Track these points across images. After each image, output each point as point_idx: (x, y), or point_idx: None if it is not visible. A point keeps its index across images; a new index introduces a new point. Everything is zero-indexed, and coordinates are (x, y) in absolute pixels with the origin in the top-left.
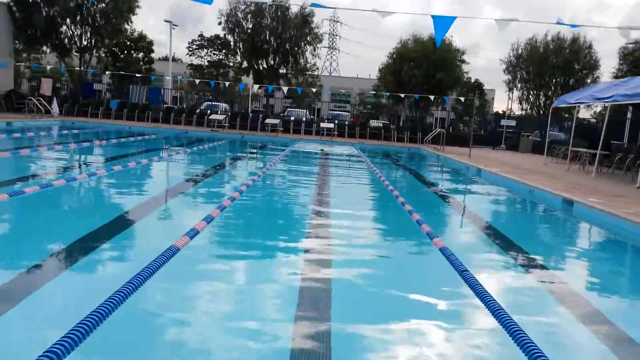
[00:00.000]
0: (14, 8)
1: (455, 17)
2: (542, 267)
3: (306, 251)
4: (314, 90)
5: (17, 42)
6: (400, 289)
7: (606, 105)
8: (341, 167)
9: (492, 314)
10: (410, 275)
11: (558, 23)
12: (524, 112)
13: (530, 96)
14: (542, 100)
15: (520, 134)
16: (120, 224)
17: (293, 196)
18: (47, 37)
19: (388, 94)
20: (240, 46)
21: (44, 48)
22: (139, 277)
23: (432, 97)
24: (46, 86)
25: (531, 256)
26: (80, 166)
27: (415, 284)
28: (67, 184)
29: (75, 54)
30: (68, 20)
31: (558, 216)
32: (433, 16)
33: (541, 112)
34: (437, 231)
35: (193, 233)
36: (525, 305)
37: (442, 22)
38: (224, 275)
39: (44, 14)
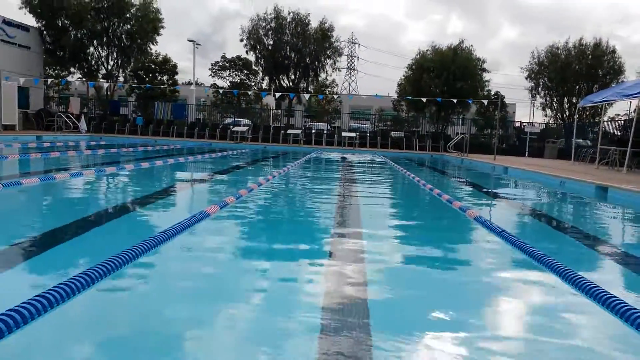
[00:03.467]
0: (45, 32)
1: None
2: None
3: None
4: (333, 105)
5: (47, 67)
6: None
7: (637, 104)
8: (372, 169)
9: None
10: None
11: None
12: (547, 119)
13: (554, 103)
14: (567, 106)
15: (544, 142)
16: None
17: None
18: (75, 59)
19: (409, 97)
20: (262, 62)
21: (72, 69)
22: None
23: (455, 101)
24: (74, 105)
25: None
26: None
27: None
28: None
29: (102, 80)
30: (95, 42)
31: (596, 202)
32: None
33: (565, 119)
34: (492, 220)
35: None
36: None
37: None
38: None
39: (72, 37)
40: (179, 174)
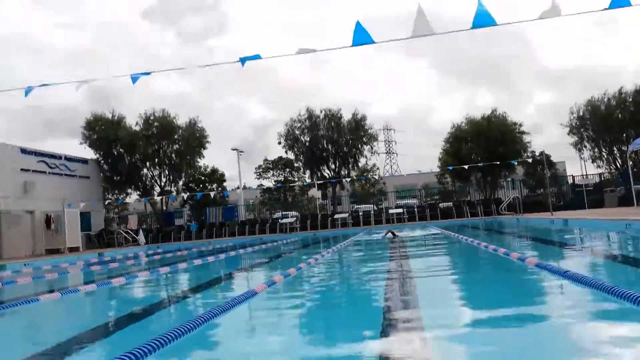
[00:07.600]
0: (102, 161)
1: None
2: None
3: None
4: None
5: (106, 192)
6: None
7: None
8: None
9: None
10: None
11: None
12: (601, 170)
13: (603, 153)
14: (617, 154)
15: (602, 192)
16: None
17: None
18: (131, 181)
19: (451, 167)
20: (301, 158)
21: (129, 190)
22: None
23: (497, 163)
24: (132, 221)
25: None
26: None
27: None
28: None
29: (157, 197)
30: (148, 164)
31: None
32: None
33: (619, 167)
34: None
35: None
36: None
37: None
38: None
39: (127, 162)
40: (231, 264)
